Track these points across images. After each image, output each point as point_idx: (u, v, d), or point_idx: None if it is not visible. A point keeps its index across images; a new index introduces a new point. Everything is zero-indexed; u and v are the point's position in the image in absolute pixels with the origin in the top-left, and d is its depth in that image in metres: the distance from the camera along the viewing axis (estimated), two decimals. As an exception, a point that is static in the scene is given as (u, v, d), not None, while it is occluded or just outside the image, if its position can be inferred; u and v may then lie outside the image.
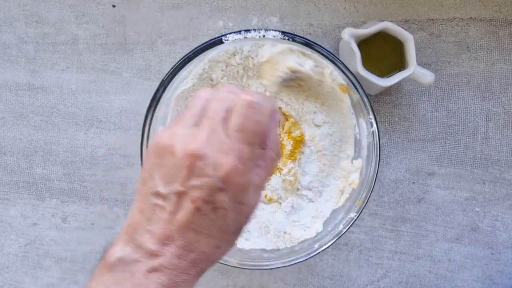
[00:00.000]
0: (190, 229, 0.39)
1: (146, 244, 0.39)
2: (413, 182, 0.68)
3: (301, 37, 0.57)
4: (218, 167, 0.39)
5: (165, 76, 0.57)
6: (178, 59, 0.57)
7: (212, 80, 0.61)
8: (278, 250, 0.61)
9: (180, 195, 0.39)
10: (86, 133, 0.68)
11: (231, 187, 0.40)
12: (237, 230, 0.42)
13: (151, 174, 0.41)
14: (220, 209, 0.40)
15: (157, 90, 0.57)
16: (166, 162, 0.40)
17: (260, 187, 0.42)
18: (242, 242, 0.62)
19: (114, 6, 0.68)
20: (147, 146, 0.58)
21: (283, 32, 0.57)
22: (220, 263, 0.58)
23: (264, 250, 0.61)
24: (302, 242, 0.61)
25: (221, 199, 0.39)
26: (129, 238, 0.40)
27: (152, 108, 0.57)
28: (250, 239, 0.62)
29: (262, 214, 0.63)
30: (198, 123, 0.41)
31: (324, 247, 0.59)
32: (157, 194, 0.40)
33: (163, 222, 0.39)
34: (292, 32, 0.58)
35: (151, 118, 0.58)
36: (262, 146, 0.42)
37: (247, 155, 0.40)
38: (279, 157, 0.45)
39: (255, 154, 0.41)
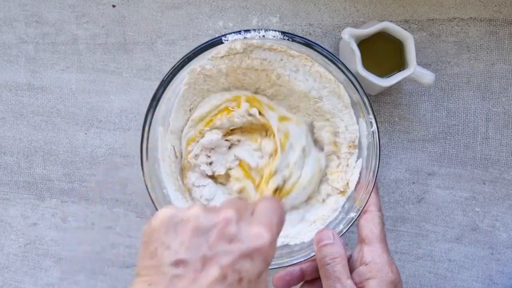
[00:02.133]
0: None
1: None
2: (413, 182, 0.68)
3: (301, 37, 0.57)
4: (251, 236, 0.39)
5: (165, 76, 0.57)
6: (178, 59, 0.57)
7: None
8: (279, 250, 0.61)
9: (206, 260, 0.37)
10: (86, 133, 0.68)
11: (260, 258, 0.38)
12: None
13: (164, 244, 0.37)
14: (245, 280, 0.37)
15: (157, 90, 0.57)
16: (187, 228, 0.38)
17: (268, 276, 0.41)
18: None
19: (114, 6, 0.68)
20: (147, 146, 0.58)
21: (282, 32, 0.57)
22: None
23: None
24: (302, 242, 0.61)
25: (248, 269, 0.37)
26: None
27: (152, 108, 0.57)
28: None
29: None
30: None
31: None
32: (177, 263, 0.36)
33: None
34: (292, 32, 0.58)
35: (151, 118, 0.57)
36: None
37: (276, 234, 0.41)
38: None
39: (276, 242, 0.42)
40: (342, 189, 0.62)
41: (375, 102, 0.67)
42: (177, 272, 0.36)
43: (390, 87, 0.65)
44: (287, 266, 0.59)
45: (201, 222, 0.38)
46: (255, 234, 0.39)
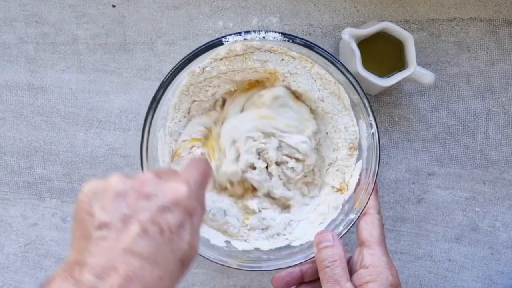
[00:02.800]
0: (134, 254, 0.38)
1: (85, 277, 0.36)
2: (413, 182, 0.68)
3: (300, 38, 0.57)
4: (168, 190, 0.41)
5: (165, 77, 0.57)
6: (178, 59, 0.57)
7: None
8: (279, 251, 0.61)
9: (126, 219, 0.39)
10: (86, 133, 0.68)
11: (178, 209, 0.40)
12: (180, 262, 0.41)
13: (88, 213, 0.40)
14: (166, 231, 0.40)
15: (157, 91, 0.57)
16: (107, 194, 0.40)
17: (198, 230, 0.43)
18: (241, 243, 0.62)
19: (114, 6, 0.68)
20: (147, 148, 0.58)
21: (283, 34, 0.57)
22: (219, 264, 0.58)
23: (263, 251, 0.61)
24: (302, 244, 0.61)
25: (168, 220, 0.40)
26: (67, 275, 0.37)
27: (152, 110, 0.57)
28: (250, 241, 0.62)
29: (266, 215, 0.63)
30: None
31: None
32: (100, 226, 0.39)
33: (105, 251, 0.38)
34: (292, 33, 0.58)
35: (151, 120, 0.57)
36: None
37: (194, 188, 0.43)
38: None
39: (199, 196, 0.44)
40: (339, 187, 0.62)
41: (375, 102, 0.67)
42: (101, 234, 0.39)
43: (390, 87, 0.65)
44: (287, 267, 0.59)
45: (120, 186, 0.41)
46: (171, 188, 0.41)
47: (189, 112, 0.62)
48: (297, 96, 0.62)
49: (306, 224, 0.62)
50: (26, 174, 0.69)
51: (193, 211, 0.42)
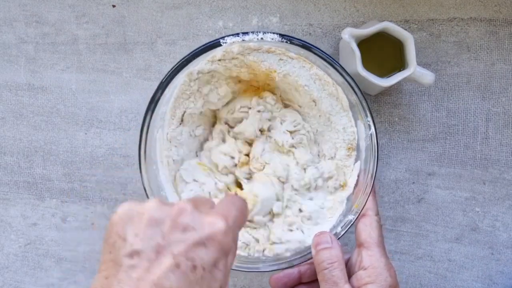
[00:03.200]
0: None
1: None
2: (413, 182, 0.68)
3: (298, 39, 0.57)
4: (205, 224, 0.39)
5: (164, 78, 0.57)
6: (178, 59, 0.57)
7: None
8: (278, 253, 0.61)
9: (160, 250, 0.37)
10: (86, 133, 0.68)
11: (214, 246, 0.38)
12: None
13: (120, 237, 0.38)
14: (199, 268, 0.37)
15: (155, 92, 0.57)
16: (142, 220, 0.38)
17: (229, 270, 0.41)
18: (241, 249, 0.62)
19: (114, 6, 0.68)
20: (145, 148, 0.58)
21: (281, 35, 0.57)
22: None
23: (262, 251, 0.61)
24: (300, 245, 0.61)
25: (202, 256, 0.38)
26: None
27: (150, 111, 0.57)
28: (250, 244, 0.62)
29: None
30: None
31: None
32: (131, 254, 0.37)
33: (134, 282, 0.36)
34: (292, 33, 0.58)
35: (149, 120, 0.57)
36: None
37: (231, 225, 0.41)
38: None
39: (235, 234, 0.42)
40: (338, 186, 0.62)
41: (375, 102, 0.67)
42: (131, 262, 0.37)
43: (390, 87, 0.65)
44: (285, 268, 0.59)
45: (156, 213, 0.39)
46: (208, 222, 0.39)
47: (182, 120, 0.62)
48: (286, 105, 0.63)
49: (313, 223, 0.62)
50: (26, 174, 0.69)
51: (229, 250, 0.40)
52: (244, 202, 0.45)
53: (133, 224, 0.38)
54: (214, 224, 0.39)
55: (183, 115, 0.62)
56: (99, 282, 0.37)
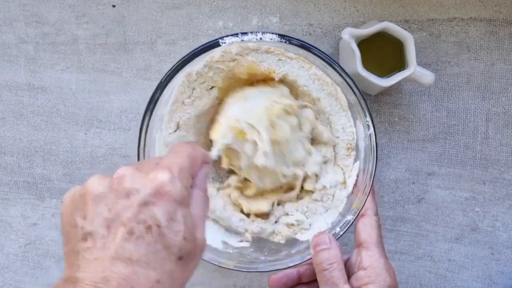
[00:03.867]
0: (123, 260, 0.35)
1: None
2: (413, 182, 0.68)
3: (297, 39, 0.57)
4: (147, 181, 0.37)
5: (163, 78, 0.57)
6: (178, 59, 0.57)
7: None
8: (277, 254, 0.61)
9: (110, 223, 0.36)
10: (86, 133, 0.68)
11: (162, 199, 0.37)
12: (178, 259, 0.37)
13: (71, 224, 0.37)
14: (153, 227, 0.36)
15: (154, 93, 0.57)
16: (86, 201, 0.37)
17: (197, 219, 0.39)
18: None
19: (114, 6, 0.68)
20: (144, 148, 0.58)
21: (280, 35, 0.57)
22: (217, 265, 0.58)
23: (261, 251, 0.61)
24: (298, 245, 0.61)
25: (153, 215, 0.36)
26: None
27: (149, 111, 0.57)
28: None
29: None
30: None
31: None
32: (84, 237, 0.36)
33: (94, 264, 0.35)
34: (292, 33, 0.58)
35: (148, 121, 0.57)
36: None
37: (177, 173, 0.39)
38: (207, 199, 0.43)
39: (185, 181, 0.40)
40: (342, 180, 0.62)
41: (375, 102, 0.67)
42: (86, 245, 0.36)
43: (390, 87, 0.65)
44: (284, 268, 0.59)
45: (97, 189, 0.38)
46: (150, 179, 0.38)
47: (178, 127, 0.62)
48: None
49: (317, 216, 0.63)
50: (26, 174, 0.69)
51: (182, 198, 0.38)
52: (191, 146, 0.43)
53: (78, 208, 0.37)
54: (155, 178, 0.38)
55: (179, 122, 0.61)
56: (64, 275, 0.36)
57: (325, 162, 0.63)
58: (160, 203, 0.37)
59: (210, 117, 0.63)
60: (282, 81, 0.61)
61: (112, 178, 0.39)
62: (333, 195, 0.62)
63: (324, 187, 0.62)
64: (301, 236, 0.62)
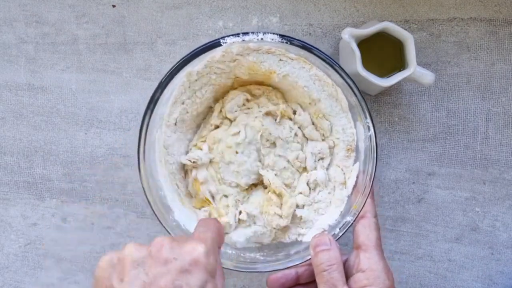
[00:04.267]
0: None
1: None
2: (413, 182, 0.68)
3: (298, 40, 0.56)
4: (184, 252, 0.40)
5: (163, 78, 0.57)
6: (178, 59, 0.57)
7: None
8: (276, 254, 0.61)
9: (146, 287, 0.38)
10: (86, 133, 0.68)
11: (198, 269, 0.40)
12: None
13: (108, 287, 0.39)
14: None
15: (155, 92, 0.57)
16: (124, 265, 0.39)
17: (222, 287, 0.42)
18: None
19: (114, 6, 0.68)
20: (144, 148, 0.58)
21: (281, 35, 0.57)
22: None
23: (260, 250, 0.61)
24: (298, 246, 0.61)
25: (189, 282, 0.39)
26: None
27: (150, 110, 0.57)
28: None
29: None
30: None
31: None
32: None
33: None
34: (292, 33, 0.58)
35: (149, 120, 0.57)
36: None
37: (210, 246, 0.42)
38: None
39: (216, 254, 0.43)
40: (343, 181, 0.62)
41: (375, 102, 0.67)
42: None
43: (390, 87, 0.65)
44: (283, 269, 0.59)
45: (135, 255, 0.40)
46: (188, 249, 0.41)
47: (177, 127, 0.62)
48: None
49: (317, 214, 0.63)
50: (26, 174, 0.69)
51: (214, 270, 0.41)
52: (217, 221, 0.47)
53: (116, 271, 0.40)
54: (193, 249, 0.41)
55: (176, 121, 0.61)
56: None
57: (321, 159, 0.63)
58: (196, 272, 0.40)
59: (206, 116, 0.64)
60: (275, 87, 0.62)
61: (149, 245, 0.41)
62: (334, 195, 0.62)
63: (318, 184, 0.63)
64: (300, 237, 0.62)
